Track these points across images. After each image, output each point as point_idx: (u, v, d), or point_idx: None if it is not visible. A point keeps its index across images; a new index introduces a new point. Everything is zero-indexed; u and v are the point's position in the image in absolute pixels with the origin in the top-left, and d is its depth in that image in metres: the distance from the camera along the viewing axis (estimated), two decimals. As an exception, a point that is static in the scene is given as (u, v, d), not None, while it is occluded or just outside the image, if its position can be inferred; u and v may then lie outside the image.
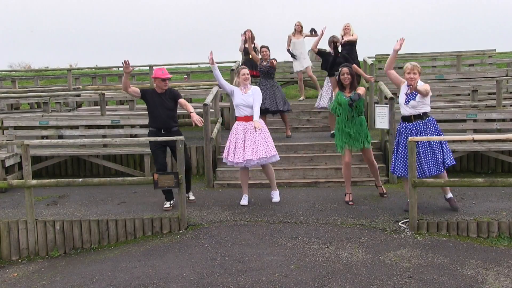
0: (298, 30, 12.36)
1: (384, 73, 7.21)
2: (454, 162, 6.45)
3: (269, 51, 9.89)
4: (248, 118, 7.06)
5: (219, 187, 8.18)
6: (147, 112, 7.22)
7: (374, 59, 14.07)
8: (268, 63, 9.79)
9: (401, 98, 6.48)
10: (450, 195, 6.61)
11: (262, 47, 10.04)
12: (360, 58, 12.33)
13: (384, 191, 7.35)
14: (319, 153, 8.87)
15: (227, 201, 7.37)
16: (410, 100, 6.36)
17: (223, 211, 6.85)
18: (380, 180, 7.43)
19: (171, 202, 7.07)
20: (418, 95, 6.28)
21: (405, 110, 6.41)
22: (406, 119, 6.44)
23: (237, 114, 7.16)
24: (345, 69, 6.87)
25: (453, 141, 8.18)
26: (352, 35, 11.37)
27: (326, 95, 9.63)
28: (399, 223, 6.20)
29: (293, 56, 12.46)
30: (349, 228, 6.10)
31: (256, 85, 9.10)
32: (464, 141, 8.38)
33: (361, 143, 6.94)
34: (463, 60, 13.92)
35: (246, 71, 7.18)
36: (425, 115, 6.38)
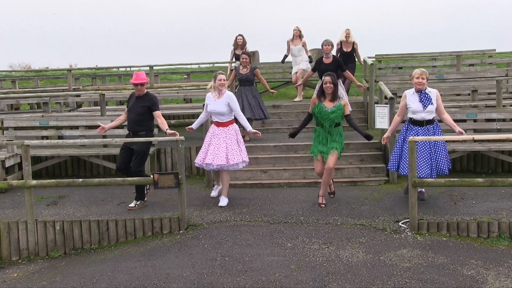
0: (296, 35, 12.25)
1: (384, 73, 7.33)
2: (447, 172, 6.68)
3: (250, 58, 9.72)
4: (219, 124, 7.18)
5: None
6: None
7: (374, 59, 14.05)
8: (249, 70, 9.59)
9: (415, 104, 6.66)
10: (420, 189, 6.85)
11: (242, 53, 9.77)
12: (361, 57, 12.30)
13: (332, 190, 7.33)
14: (319, 153, 8.85)
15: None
16: (429, 105, 6.61)
17: (223, 211, 6.85)
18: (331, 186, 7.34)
19: (139, 202, 7.07)
20: (434, 98, 6.61)
21: (418, 115, 6.66)
22: (418, 123, 6.66)
23: (213, 119, 7.34)
24: (328, 78, 6.72)
25: (453, 141, 8.17)
26: (352, 43, 11.43)
27: None
28: (399, 223, 6.20)
29: (283, 62, 12.54)
30: (349, 228, 6.09)
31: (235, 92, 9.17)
32: (464, 141, 8.36)
33: (330, 149, 6.81)
34: (463, 60, 13.91)
35: (223, 76, 7.20)
36: (433, 119, 6.72)
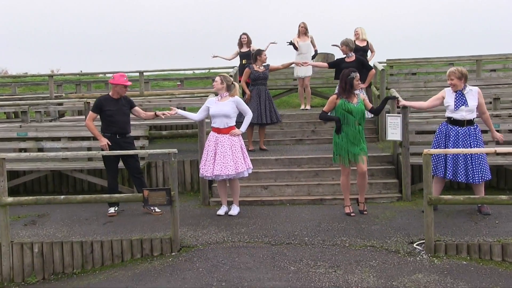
0: (302, 32, 12.44)
1: (397, 80, 7.49)
2: (478, 181, 6.93)
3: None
4: (220, 130, 7.41)
5: (216, 204, 8.17)
6: (106, 120, 7.65)
7: (385, 64, 14.13)
8: (263, 67, 9.82)
9: (451, 104, 7.06)
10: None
11: (261, 50, 10.06)
12: (370, 63, 12.36)
13: (365, 209, 7.44)
14: (325, 167, 8.87)
15: (224, 220, 7.36)
16: (461, 106, 7.01)
17: (220, 231, 6.84)
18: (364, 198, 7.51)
19: (116, 208, 7.77)
20: (473, 98, 7.00)
21: (458, 114, 7.01)
22: (458, 123, 7.03)
23: (211, 124, 7.57)
24: (358, 74, 7.15)
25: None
26: (363, 41, 11.55)
27: None
28: (414, 245, 6.18)
29: (295, 47, 12.40)
30: (358, 250, 6.08)
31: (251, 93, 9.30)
32: (486, 154, 8.36)
33: (361, 151, 7.16)
34: (484, 65, 13.98)
35: (217, 78, 7.65)
36: (473, 121, 7.08)
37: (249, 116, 7.65)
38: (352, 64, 9.59)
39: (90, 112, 7.79)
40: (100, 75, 19.16)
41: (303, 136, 10.98)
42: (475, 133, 7.05)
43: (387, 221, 7.08)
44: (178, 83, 18.38)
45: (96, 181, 9.16)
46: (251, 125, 9.47)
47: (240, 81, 12.63)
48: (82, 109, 12.55)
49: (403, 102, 7.60)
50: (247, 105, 9.38)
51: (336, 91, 7.81)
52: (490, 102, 11.26)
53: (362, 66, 9.80)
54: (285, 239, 6.48)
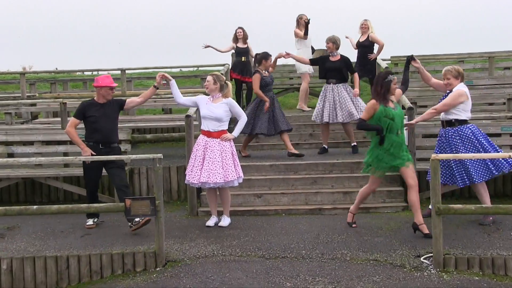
0: (302, 24, 12.44)
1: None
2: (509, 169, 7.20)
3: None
4: (211, 134, 7.40)
5: (205, 215, 8.18)
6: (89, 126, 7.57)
7: (389, 61, 14.20)
8: (269, 72, 9.80)
9: None
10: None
11: (268, 54, 9.80)
12: (379, 56, 12.39)
13: (426, 232, 6.79)
14: (324, 174, 8.90)
15: (214, 232, 7.37)
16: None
17: (209, 244, 6.85)
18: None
19: (95, 219, 7.73)
20: (446, 98, 7.22)
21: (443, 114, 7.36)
22: (442, 124, 7.42)
23: (201, 127, 7.56)
24: (395, 77, 6.96)
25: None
26: (369, 36, 11.63)
27: (329, 106, 9.76)
28: (421, 259, 6.21)
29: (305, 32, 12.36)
30: (360, 265, 6.10)
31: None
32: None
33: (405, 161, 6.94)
34: (497, 63, 14.05)
35: (210, 77, 7.57)
36: (457, 122, 7.20)
37: (243, 119, 7.65)
38: (336, 64, 9.69)
39: (72, 118, 7.64)
40: (78, 73, 19.13)
41: (300, 140, 11.00)
42: (452, 135, 7.19)
43: (392, 232, 7.11)
44: (163, 82, 18.37)
45: (73, 190, 9.13)
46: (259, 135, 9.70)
47: (233, 78, 12.72)
48: (57, 110, 12.53)
49: (417, 64, 7.49)
50: (263, 115, 9.45)
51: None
52: (504, 103, 11.34)
53: (347, 67, 9.80)
54: (280, 253, 6.49)
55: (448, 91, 7.33)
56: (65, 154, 9.33)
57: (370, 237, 6.94)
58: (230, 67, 13.16)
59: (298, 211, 8.23)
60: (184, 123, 8.49)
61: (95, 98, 7.66)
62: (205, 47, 13.23)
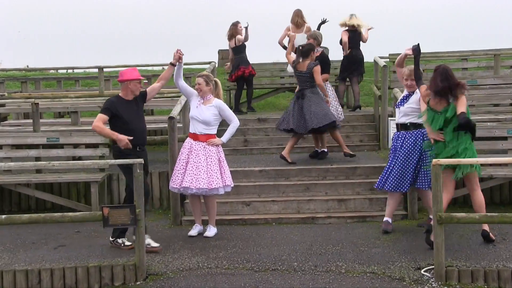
0: (296, 21, 12.45)
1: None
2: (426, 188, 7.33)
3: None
4: (197, 137, 7.42)
5: (189, 224, 8.15)
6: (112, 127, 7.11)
7: (388, 60, 14.22)
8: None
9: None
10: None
11: (313, 45, 9.84)
12: (371, 58, 12.45)
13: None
14: (318, 180, 8.92)
15: (199, 242, 7.36)
16: (401, 104, 7.50)
17: (194, 256, 6.83)
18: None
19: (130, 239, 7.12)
20: (410, 99, 7.39)
21: (398, 116, 7.55)
22: (401, 126, 7.47)
23: (189, 128, 7.63)
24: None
25: (490, 165, 8.27)
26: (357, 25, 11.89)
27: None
28: (422, 271, 6.23)
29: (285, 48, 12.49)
30: (356, 277, 6.11)
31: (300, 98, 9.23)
32: (505, 164, 8.48)
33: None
34: (502, 61, 14.07)
35: (200, 79, 7.52)
36: (413, 126, 7.38)
37: (234, 124, 7.63)
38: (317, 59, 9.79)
39: (100, 114, 7.06)
40: (52, 71, 18.99)
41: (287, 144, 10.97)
42: (403, 139, 7.42)
43: (390, 243, 7.13)
44: (145, 81, 18.30)
45: (45, 197, 9.09)
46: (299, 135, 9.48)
47: (231, 78, 12.78)
48: (29, 111, 12.44)
49: (409, 51, 7.36)
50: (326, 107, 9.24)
51: None
52: (510, 104, 11.41)
53: (323, 64, 9.86)
54: (270, 265, 6.49)
55: (410, 92, 7.46)
56: (37, 159, 9.29)
57: (367, 248, 6.95)
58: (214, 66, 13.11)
59: (290, 220, 8.23)
60: (167, 126, 8.45)
61: (120, 94, 7.24)
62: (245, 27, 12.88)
